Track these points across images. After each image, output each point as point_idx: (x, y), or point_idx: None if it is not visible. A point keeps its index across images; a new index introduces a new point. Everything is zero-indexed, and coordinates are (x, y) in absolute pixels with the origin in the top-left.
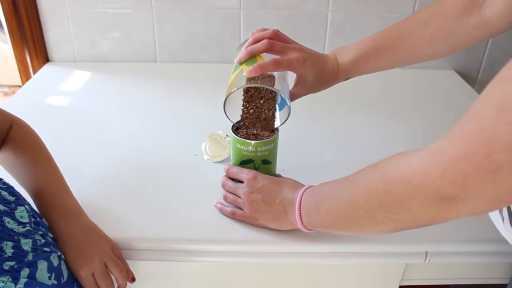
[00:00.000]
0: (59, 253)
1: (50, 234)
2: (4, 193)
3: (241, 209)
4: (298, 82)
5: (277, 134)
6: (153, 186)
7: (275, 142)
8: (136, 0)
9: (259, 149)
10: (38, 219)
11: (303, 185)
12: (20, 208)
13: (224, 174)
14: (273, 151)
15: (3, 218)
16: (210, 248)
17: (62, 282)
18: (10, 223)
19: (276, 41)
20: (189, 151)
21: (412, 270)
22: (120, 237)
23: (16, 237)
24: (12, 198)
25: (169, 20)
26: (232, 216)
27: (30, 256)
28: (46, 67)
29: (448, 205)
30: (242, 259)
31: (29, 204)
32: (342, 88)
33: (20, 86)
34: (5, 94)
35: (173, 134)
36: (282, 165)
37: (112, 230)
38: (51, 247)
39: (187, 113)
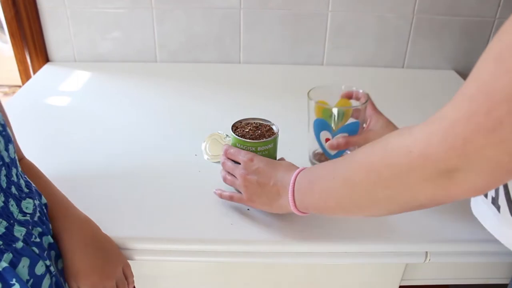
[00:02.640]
0: (48, 263)
1: (50, 239)
2: (22, 182)
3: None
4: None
5: (277, 134)
6: (153, 186)
7: (275, 141)
8: (136, 0)
9: (259, 148)
10: (44, 219)
11: (296, 168)
12: (29, 200)
13: (223, 155)
14: (273, 151)
15: (9, 199)
16: (210, 248)
17: None
18: (12, 206)
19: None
20: (189, 151)
21: (412, 270)
22: (120, 237)
23: (11, 221)
24: (26, 190)
25: (169, 20)
26: (231, 200)
27: (19, 245)
28: (46, 67)
29: (448, 179)
30: (242, 259)
31: (40, 205)
32: (343, 88)
33: (20, 86)
34: (5, 94)
35: (173, 134)
36: None
37: (112, 230)
38: (43, 253)
39: (187, 113)
